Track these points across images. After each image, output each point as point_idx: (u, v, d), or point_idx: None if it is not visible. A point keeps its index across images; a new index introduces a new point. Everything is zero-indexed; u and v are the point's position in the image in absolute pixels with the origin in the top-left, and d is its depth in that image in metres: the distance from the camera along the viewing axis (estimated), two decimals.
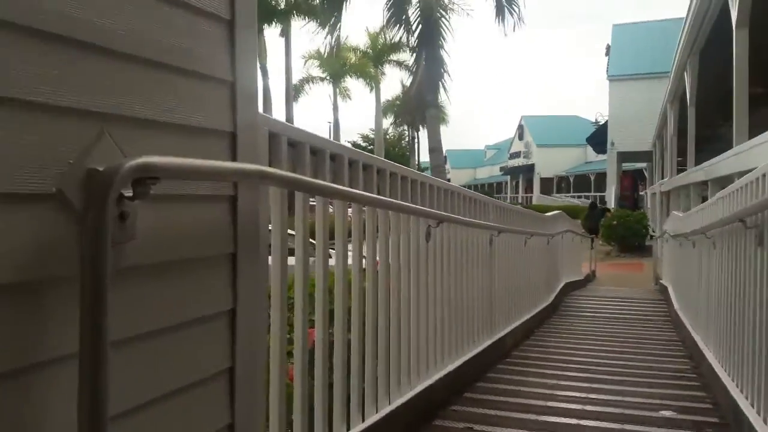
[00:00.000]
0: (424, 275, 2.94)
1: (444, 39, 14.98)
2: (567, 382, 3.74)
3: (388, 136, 41.42)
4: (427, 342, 2.99)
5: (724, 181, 4.83)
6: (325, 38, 15.98)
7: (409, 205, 2.69)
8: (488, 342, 4.20)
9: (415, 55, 14.43)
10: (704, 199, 6.56)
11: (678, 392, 3.54)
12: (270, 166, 1.65)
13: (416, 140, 43.08)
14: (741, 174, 3.25)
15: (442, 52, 15.03)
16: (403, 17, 14.69)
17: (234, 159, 1.45)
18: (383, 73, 34.73)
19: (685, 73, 8.99)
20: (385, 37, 21.85)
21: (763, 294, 2.49)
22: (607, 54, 25.90)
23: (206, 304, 1.38)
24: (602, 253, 16.63)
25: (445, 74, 15.12)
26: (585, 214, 19.20)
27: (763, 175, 2.33)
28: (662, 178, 15.57)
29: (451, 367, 3.35)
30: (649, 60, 23.09)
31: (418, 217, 2.83)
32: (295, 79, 29.84)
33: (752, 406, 2.63)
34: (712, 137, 16.35)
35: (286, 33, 23.47)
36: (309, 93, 33.69)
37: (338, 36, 14.75)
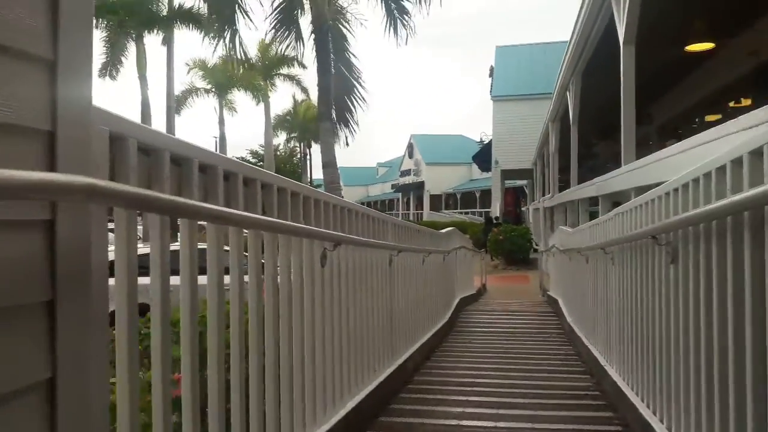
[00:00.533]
0: (320, 306, 2.58)
1: (346, 48, 14.76)
2: (473, 408, 3.52)
3: (279, 152, 40.51)
4: (324, 381, 2.62)
5: (616, 197, 4.96)
6: (214, 51, 15.16)
7: (302, 226, 2.33)
8: (390, 369, 3.91)
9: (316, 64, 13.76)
10: (592, 214, 6.80)
11: (588, 414, 3.44)
12: (113, 178, 1.23)
13: (308, 157, 42.59)
14: (640, 189, 3.20)
15: (339, 65, 14.77)
16: (293, 27, 14.21)
17: (52, 167, 1.03)
18: (274, 86, 34.01)
19: (568, 93, 9.41)
20: (276, 50, 21.22)
21: (672, 311, 2.42)
22: (490, 75, 27.05)
23: (5, 377, 0.94)
24: (490, 267, 17.11)
25: (356, 83, 14.81)
26: (482, 227, 20.07)
27: (675, 190, 2.23)
28: (543, 195, 16.37)
29: (351, 404, 3.01)
30: (530, 81, 24.44)
31: (312, 239, 2.48)
32: (179, 90, 28.41)
33: (665, 426, 2.54)
34: (588, 155, 17.45)
35: (168, 41, 22.16)
36: (193, 105, 32.11)
37: (232, 46, 13.81)
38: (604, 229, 3.96)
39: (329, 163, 14.09)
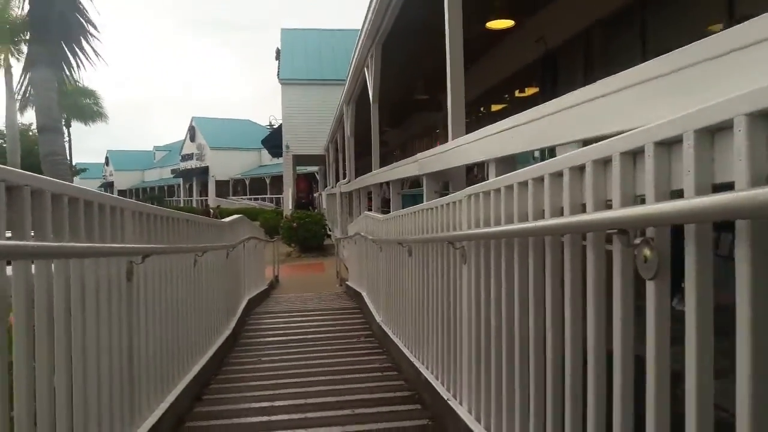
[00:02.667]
0: None
1: None
2: None
3: (32, 133, 33.99)
4: None
5: (443, 176, 4.05)
6: None
7: None
8: None
9: None
10: (404, 198, 5.92)
11: None
12: None
13: (67, 137, 36.57)
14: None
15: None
16: None
17: None
18: (21, 54, 28.11)
19: (366, 69, 8.51)
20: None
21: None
22: (277, 58, 25.65)
23: None
24: (283, 255, 15.91)
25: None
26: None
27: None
28: (338, 180, 15.62)
29: None
30: (319, 66, 23.66)
31: None
32: None
33: None
34: (391, 135, 17.09)
35: None
36: None
37: None
38: (439, 218, 2.97)
39: (47, 126, 9.36)
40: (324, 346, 5.18)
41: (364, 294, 6.82)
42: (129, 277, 2.50)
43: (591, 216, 1.47)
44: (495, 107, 11.32)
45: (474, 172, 6.65)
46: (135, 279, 2.58)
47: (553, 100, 2.13)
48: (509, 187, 2.12)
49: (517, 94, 10.25)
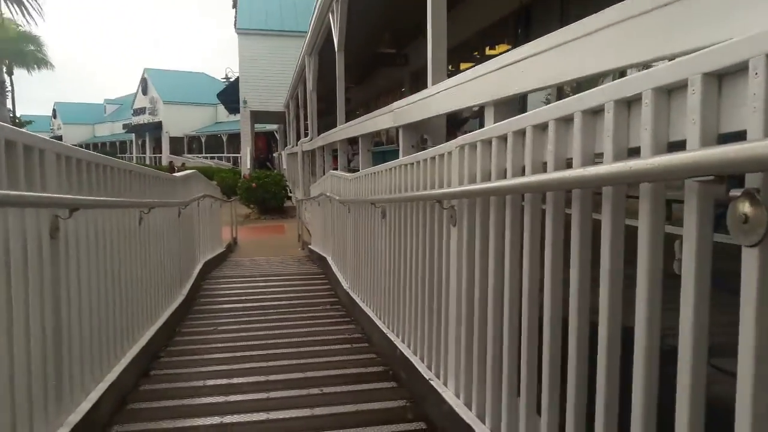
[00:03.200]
0: None
1: None
2: None
3: None
4: None
5: (421, 128, 3.64)
6: None
7: None
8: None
9: None
10: (375, 155, 5.48)
11: None
12: None
13: (9, 86, 34.26)
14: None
15: None
16: None
17: None
18: None
19: (331, 14, 7.92)
20: None
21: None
22: (234, 6, 24.33)
23: None
24: (242, 216, 15.33)
25: None
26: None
27: None
28: (298, 139, 15.00)
29: None
30: (279, 16, 22.56)
31: None
32: None
33: None
34: (351, 93, 16.48)
35: None
36: None
37: None
38: (425, 170, 2.58)
39: None
40: (287, 314, 4.79)
41: (329, 258, 6.44)
42: (53, 234, 2.03)
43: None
44: (464, 65, 10.88)
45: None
46: (62, 237, 2.11)
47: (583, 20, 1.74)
48: (518, 133, 1.74)
49: (487, 51, 9.84)
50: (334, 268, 5.88)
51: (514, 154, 1.78)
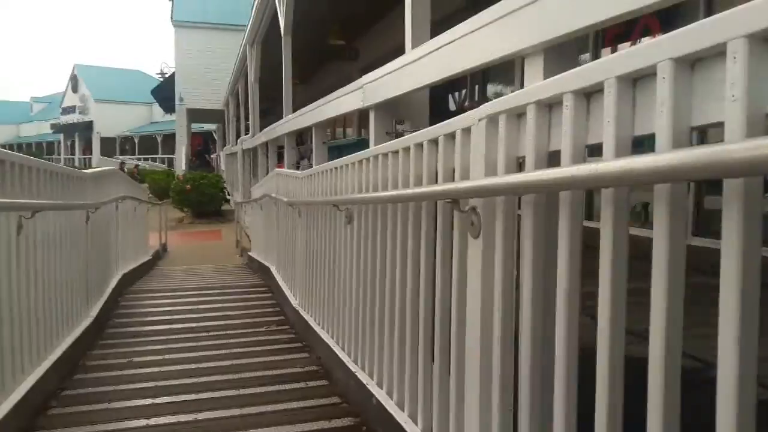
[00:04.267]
0: None
1: None
2: None
3: None
4: None
5: (397, 109, 2.87)
6: None
7: None
8: None
9: None
10: (334, 149, 4.66)
11: None
12: None
13: None
14: None
15: None
16: None
17: None
18: None
19: None
20: None
21: None
22: None
23: None
24: (174, 221, 14.13)
25: None
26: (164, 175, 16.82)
27: None
28: (238, 138, 13.97)
29: None
30: (219, 8, 21.30)
31: None
32: None
33: None
34: (297, 92, 15.46)
35: None
36: None
37: None
38: (428, 158, 1.82)
39: None
40: (224, 338, 3.91)
41: (273, 269, 5.58)
42: None
43: None
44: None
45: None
46: None
47: None
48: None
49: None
50: (280, 281, 5.04)
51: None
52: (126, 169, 25.93)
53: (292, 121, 5.58)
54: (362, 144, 3.38)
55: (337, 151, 4.69)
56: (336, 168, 2.94)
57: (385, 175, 2.21)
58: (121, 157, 37.86)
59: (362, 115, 4.55)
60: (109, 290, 4.80)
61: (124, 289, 5.49)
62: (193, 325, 4.32)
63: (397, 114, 2.89)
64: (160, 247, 9.66)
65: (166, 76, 26.24)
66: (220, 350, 3.63)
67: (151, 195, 18.74)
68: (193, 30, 20.83)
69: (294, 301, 4.31)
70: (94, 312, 4.08)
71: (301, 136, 10.08)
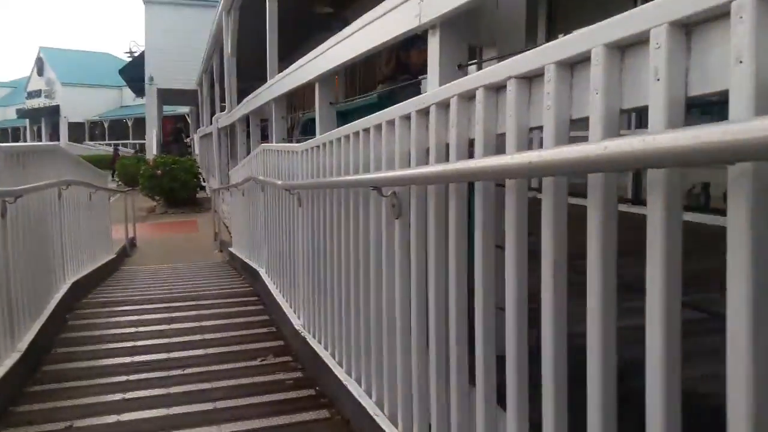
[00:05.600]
0: None
1: None
2: None
3: None
4: None
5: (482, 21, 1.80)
6: None
7: None
8: None
9: None
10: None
11: None
12: None
13: None
14: None
15: None
16: None
17: None
18: None
19: None
20: None
21: None
22: None
23: None
24: (144, 210, 12.88)
25: None
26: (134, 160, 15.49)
27: None
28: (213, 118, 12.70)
29: None
30: None
31: None
32: None
33: None
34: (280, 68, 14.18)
35: None
36: None
37: None
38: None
39: None
40: (204, 380, 2.82)
41: (262, 273, 4.47)
42: None
43: None
44: None
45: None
46: None
47: None
48: None
49: None
50: (274, 290, 3.94)
51: None
52: (120, 155, 24.45)
53: (281, 81, 4.38)
54: (383, 104, 2.27)
55: (342, 119, 3.48)
56: (374, 126, 1.84)
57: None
58: (74, 144, 35.88)
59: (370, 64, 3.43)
60: (50, 308, 3.66)
61: (76, 303, 4.33)
62: (163, 356, 3.21)
63: (476, 34, 1.78)
64: (128, 242, 8.47)
65: (136, 55, 24.67)
66: (200, 404, 2.54)
67: (120, 183, 17.39)
68: (164, 6, 19.43)
69: (296, 321, 3.23)
70: (23, 346, 2.94)
71: (291, 102, 8.96)
